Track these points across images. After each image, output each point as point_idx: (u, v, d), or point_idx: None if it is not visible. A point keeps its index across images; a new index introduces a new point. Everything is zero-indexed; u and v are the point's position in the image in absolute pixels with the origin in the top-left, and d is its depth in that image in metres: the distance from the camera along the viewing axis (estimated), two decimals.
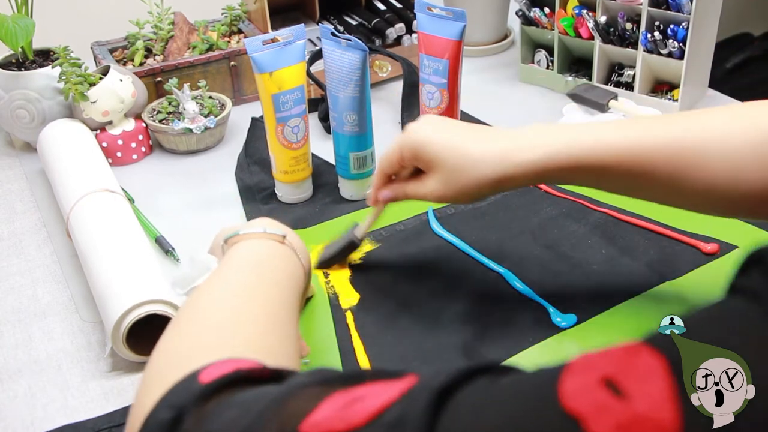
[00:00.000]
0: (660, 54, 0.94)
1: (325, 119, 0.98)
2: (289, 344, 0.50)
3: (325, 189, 0.86)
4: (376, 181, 0.67)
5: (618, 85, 1.01)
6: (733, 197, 0.53)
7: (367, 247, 0.76)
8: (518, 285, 0.69)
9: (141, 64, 1.02)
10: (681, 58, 0.93)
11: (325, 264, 0.73)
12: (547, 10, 1.02)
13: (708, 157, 0.53)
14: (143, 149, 0.95)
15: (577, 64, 1.05)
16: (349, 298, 0.70)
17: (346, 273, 0.73)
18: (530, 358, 0.62)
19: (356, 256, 0.75)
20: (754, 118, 0.53)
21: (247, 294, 0.52)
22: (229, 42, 1.07)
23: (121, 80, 0.91)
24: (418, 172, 0.64)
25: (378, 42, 1.08)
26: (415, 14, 0.86)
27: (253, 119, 1.01)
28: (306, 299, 0.67)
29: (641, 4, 0.93)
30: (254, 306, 0.51)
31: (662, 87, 0.99)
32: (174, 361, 0.44)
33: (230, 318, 0.49)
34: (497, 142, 0.58)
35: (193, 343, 0.47)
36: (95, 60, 1.05)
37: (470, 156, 0.59)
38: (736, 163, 0.52)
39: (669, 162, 0.54)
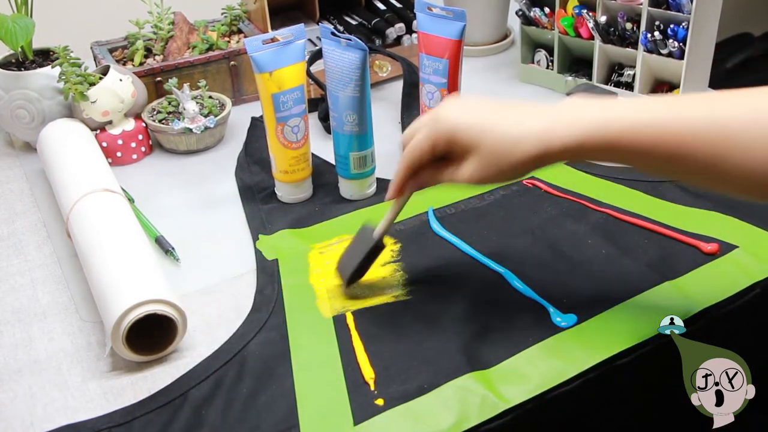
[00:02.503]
0: (660, 54, 0.94)
1: (325, 119, 0.98)
2: None
3: (325, 189, 0.86)
4: (403, 174, 0.63)
5: (618, 85, 1.01)
6: None
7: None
8: (518, 285, 0.69)
9: (141, 64, 1.02)
10: (681, 58, 0.93)
11: (354, 278, 0.69)
12: (547, 9, 1.02)
13: (748, 140, 0.51)
14: (143, 149, 0.95)
15: (577, 64, 1.05)
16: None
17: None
18: (530, 359, 0.62)
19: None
20: None
21: None
22: (229, 42, 1.07)
23: (120, 80, 0.91)
24: (443, 158, 0.61)
25: (378, 42, 1.08)
26: (415, 14, 0.86)
27: (253, 119, 1.01)
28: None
29: (641, 4, 0.93)
30: None
31: (662, 87, 0.99)
32: None
33: None
34: (535, 120, 0.57)
35: None
36: (95, 60, 1.05)
37: (509, 136, 0.57)
38: None
39: (709, 144, 0.52)
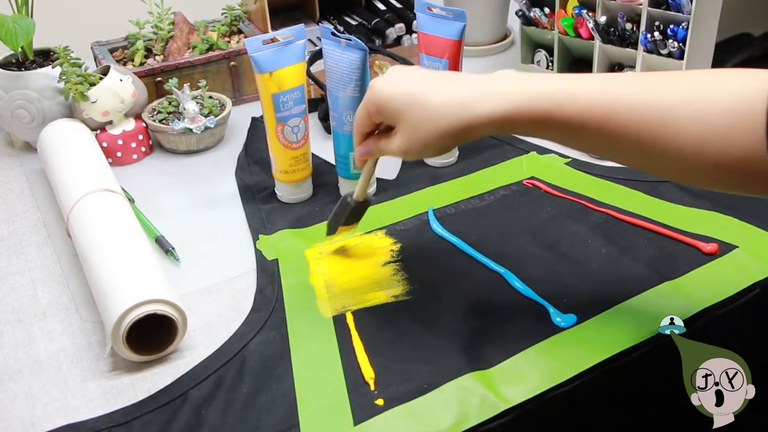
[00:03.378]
0: (660, 54, 0.94)
1: (325, 119, 0.98)
2: None
3: (325, 189, 0.86)
4: (354, 141, 0.66)
5: None
6: (702, 165, 0.50)
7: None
8: (518, 285, 0.69)
9: (141, 64, 1.02)
10: (681, 58, 0.93)
11: (331, 228, 0.73)
12: (547, 10, 1.02)
13: (678, 119, 0.50)
14: (143, 149, 0.95)
15: (577, 64, 1.05)
16: None
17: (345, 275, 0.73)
18: (530, 358, 0.62)
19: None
20: (727, 83, 0.50)
21: None
22: (229, 42, 1.07)
23: (121, 80, 0.91)
24: (389, 128, 0.62)
25: (378, 42, 1.08)
26: (415, 14, 0.86)
27: (253, 119, 1.01)
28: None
29: (641, 4, 0.93)
30: None
31: None
32: None
33: None
34: (459, 90, 0.56)
35: None
36: (95, 60, 1.05)
37: (430, 107, 0.56)
38: (706, 128, 0.49)
39: (639, 120, 0.51)
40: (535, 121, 0.54)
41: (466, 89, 0.56)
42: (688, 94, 0.51)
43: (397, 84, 0.59)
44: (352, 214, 0.72)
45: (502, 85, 0.55)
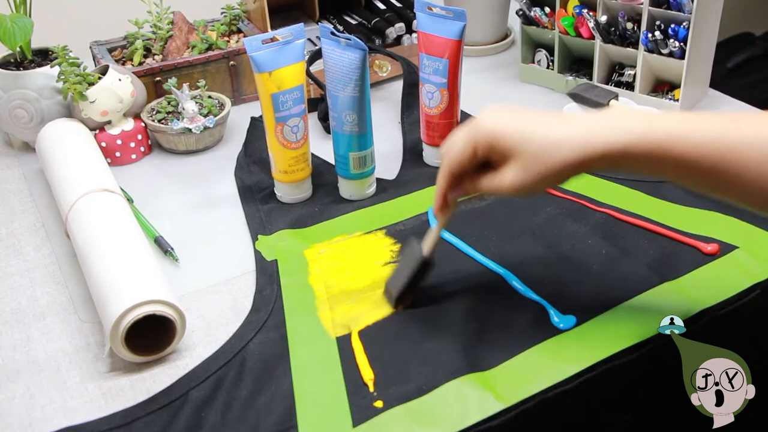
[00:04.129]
0: (661, 54, 0.94)
1: (324, 119, 0.98)
2: None
3: (325, 189, 0.86)
4: (444, 185, 0.62)
5: (618, 84, 1.00)
6: None
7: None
8: (518, 285, 0.69)
9: (140, 64, 1.02)
10: (682, 57, 0.92)
11: (402, 297, 0.66)
12: (547, 9, 1.02)
13: None
14: (142, 149, 0.95)
15: (578, 63, 1.05)
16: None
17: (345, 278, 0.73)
18: (530, 359, 0.61)
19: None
20: None
21: None
22: (228, 42, 1.07)
23: (120, 80, 0.91)
24: (483, 166, 0.60)
25: (378, 42, 1.08)
26: (415, 14, 0.86)
27: (253, 119, 1.01)
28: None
29: (642, 4, 0.92)
30: None
31: (663, 87, 0.99)
32: None
33: None
34: (576, 125, 0.56)
35: None
36: (94, 59, 1.05)
37: (548, 140, 0.56)
38: None
39: (759, 161, 0.51)
40: (652, 155, 0.54)
41: (582, 123, 0.56)
42: None
43: (508, 119, 0.58)
44: (419, 275, 0.66)
45: (619, 119, 0.55)
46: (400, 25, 1.09)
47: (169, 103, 0.97)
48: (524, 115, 0.59)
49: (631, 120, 0.55)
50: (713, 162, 0.52)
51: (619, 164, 0.55)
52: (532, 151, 0.56)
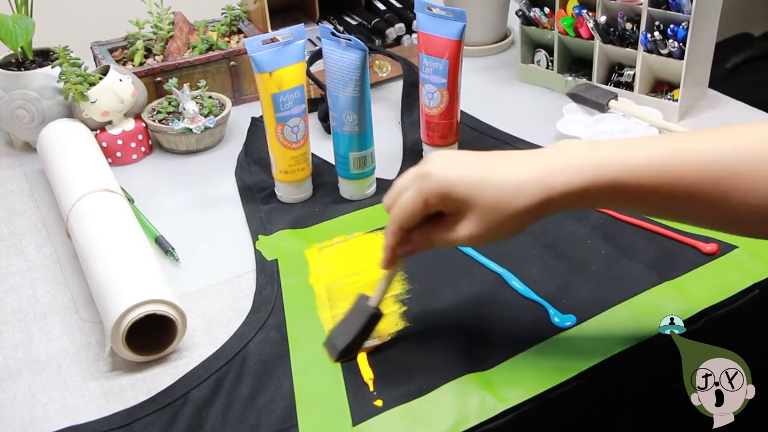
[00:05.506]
0: (660, 54, 0.94)
1: (325, 119, 0.98)
2: None
3: (325, 189, 0.86)
4: (393, 240, 0.58)
5: (618, 85, 1.01)
6: None
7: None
8: (517, 285, 0.69)
9: (141, 64, 1.02)
10: (681, 58, 0.92)
11: (348, 351, 0.62)
12: (547, 10, 1.02)
13: (752, 176, 0.50)
14: (143, 149, 0.95)
15: (577, 64, 1.05)
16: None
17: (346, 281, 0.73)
18: (529, 359, 0.61)
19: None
20: None
21: None
22: (228, 42, 1.07)
23: (120, 80, 0.91)
24: (435, 217, 0.56)
25: (378, 42, 1.08)
26: (415, 14, 0.86)
27: (253, 119, 1.01)
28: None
29: (641, 4, 0.93)
30: None
31: (662, 87, 0.99)
32: None
33: None
34: (531, 168, 0.53)
35: None
36: (95, 60, 1.05)
37: (504, 187, 0.53)
38: None
39: (713, 180, 0.50)
40: (609, 191, 0.52)
41: (536, 166, 0.53)
42: (756, 149, 0.50)
43: (458, 167, 0.54)
44: (368, 327, 0.63)
45: (572, 158, 0.53)
46: (400, 26, 1.09)
47: (169, 103, 0.97)
48: (473, 159, 0.55)
49: (586, 157, 0.52)
50: (672, 188, 0.51)
51: (578, 203, 0.53)
52: (488, 200, 0.53)
